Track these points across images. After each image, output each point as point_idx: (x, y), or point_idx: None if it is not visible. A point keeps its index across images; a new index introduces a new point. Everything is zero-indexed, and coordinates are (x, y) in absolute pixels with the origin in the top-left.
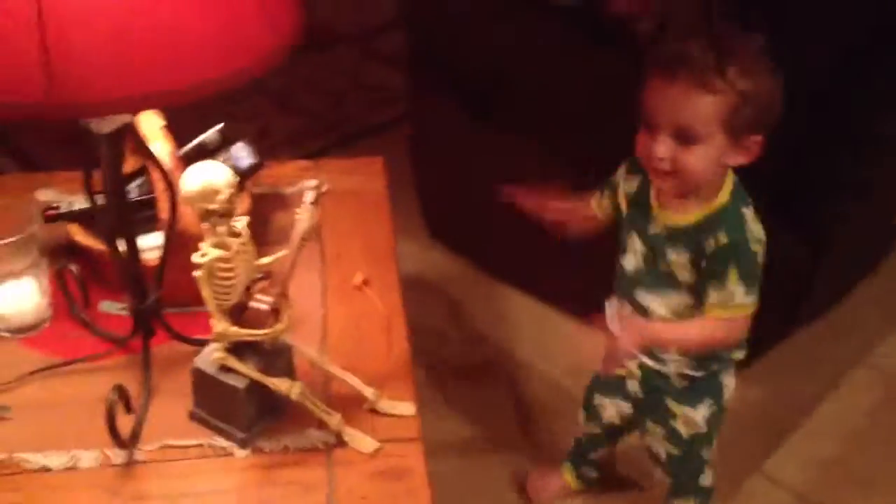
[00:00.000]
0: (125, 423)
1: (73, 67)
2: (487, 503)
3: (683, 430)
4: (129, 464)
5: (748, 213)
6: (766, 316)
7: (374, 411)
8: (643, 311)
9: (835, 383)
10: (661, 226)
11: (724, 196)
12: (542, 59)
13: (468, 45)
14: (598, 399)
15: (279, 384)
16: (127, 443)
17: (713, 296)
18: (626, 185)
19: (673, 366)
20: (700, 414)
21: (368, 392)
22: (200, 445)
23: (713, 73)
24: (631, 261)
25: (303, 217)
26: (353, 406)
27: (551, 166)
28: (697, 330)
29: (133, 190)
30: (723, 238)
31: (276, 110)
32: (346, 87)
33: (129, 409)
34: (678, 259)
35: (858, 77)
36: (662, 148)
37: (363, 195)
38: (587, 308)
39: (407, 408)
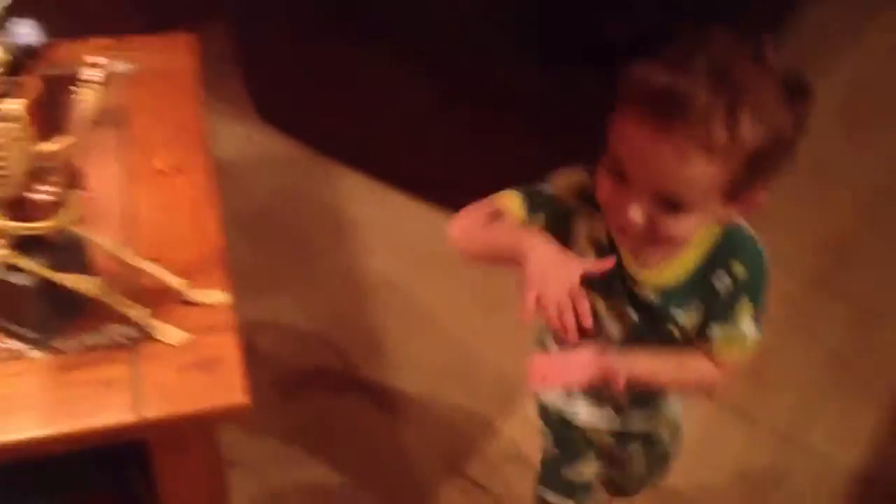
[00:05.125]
0: None
1: None
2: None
3: (666, 435)
4: None
5: (743, 223)
6: None
7: (185, 302)
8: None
9: None
10: (651, 287)
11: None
12: None
13: None
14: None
15: (72, 280)
16: None
17: (718, 332)
18: (586, 226)
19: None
20: (672, 408)
21: (176, 282)
22: None
23: (722, 126)
24: (615, 329)
25: (86, 98)
26: (162, 298)
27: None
28: (690, 372)
29: None
30: (739, 269)
31: None
32: None
33: None
34: (690, 319)
35: None
36: (638, 213)
37: (173, 75)
38: (431, 185)
39: (220, 296)
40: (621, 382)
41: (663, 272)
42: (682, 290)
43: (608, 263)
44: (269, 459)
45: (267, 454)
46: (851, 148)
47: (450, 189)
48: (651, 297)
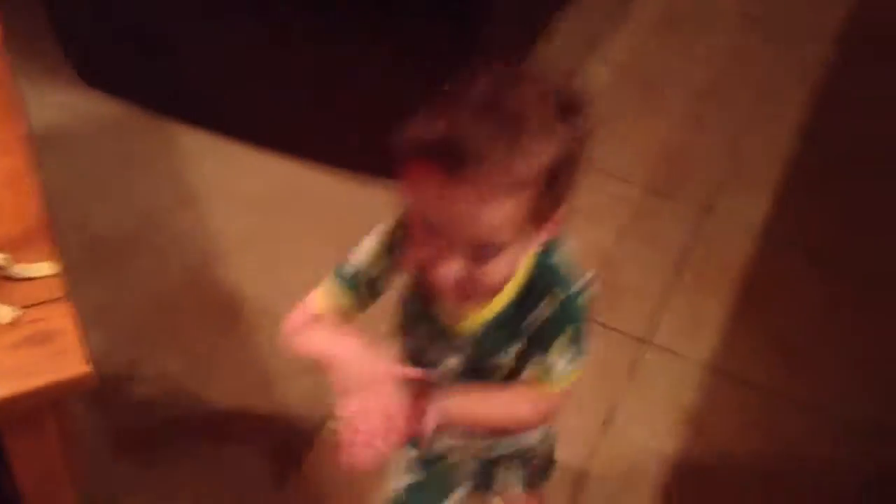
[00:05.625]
0: None
1: None
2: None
3: (540, 447)
4: None
5: (566, 251)
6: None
7: (9, 278)
8: None
9: None
10: (470, 328)
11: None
12: None
13: None
14: None
15: None
16: None
17: (539, 363)
18: (400, 281)
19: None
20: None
21: None
22: None
23: (509, 160)
24: (449, 363)
25: None
26: None
27: None
28: (518, 406)
29: None
30: (559, 294)
31: None
32: None
33: None
34: (512, 351)
35: None
36: (455, 269)
37: None
38: (272, 134)
39: (47, 268)
40: (431, 429)
41: (481, 311)
42: (501, 323)
43: (417, 374)
44: (113, 442)
45: (112, 435)
46: (673, 57)
47: (291, 135)
48: (471, 333)
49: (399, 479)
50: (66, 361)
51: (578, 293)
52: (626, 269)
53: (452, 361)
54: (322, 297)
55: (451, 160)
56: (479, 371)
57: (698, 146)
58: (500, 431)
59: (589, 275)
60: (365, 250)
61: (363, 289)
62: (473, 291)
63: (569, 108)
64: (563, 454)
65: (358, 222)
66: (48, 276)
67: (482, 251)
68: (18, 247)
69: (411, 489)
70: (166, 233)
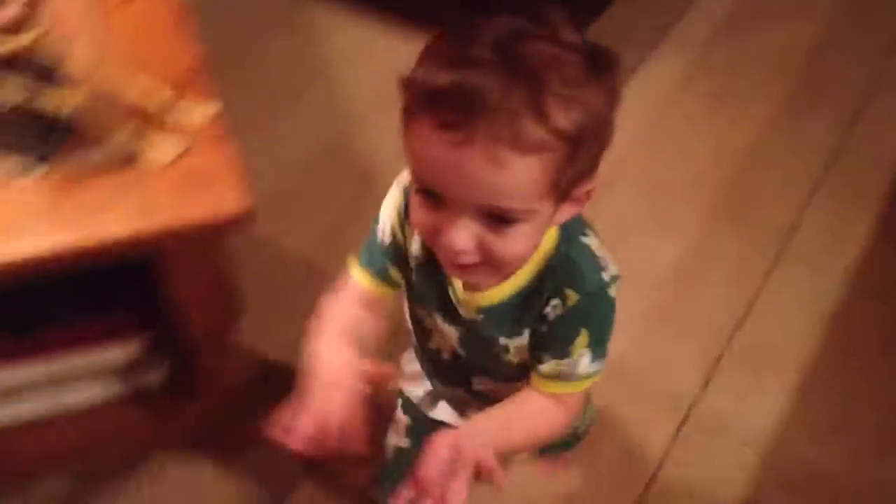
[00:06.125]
0: None
1: None
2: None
3: None
4: None
5: (590, 241)
6: None
7: (175, 114)
8: (477, 397)
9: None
10: (472, 309)
11: (549, 235)
12: None
13: None
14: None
15: (50, 99)
16: None
17: (551, 367)
18: (413, 244)
19: None
20: None
21: (164, 95)
22: None
23: (528, 118)
24: (444, 347)
25: None
26: (151, 113)
27: None
28: (536, 418)
29: None
30: (572, 295)
31: None
32: None
33: None
34: (515, 343)
35: None
36: (463, 237)
37: None
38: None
39: (210, 107)
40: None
41: (487, 294)
42: (507, 311)
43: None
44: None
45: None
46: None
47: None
48: (473, 316)
49: (393, 440)
50: (228, 196)
51: (594, 294)
52: (769, 173)
53: (454, 332)
54: (352, 275)
55: (461, 112)
56: (480, 354)
57: (844, 51)
58: (532, 446)
59: (611, 271)
60: (384, 225)
61: (390, 268)
62: (490, 270)
63: (598, 66)
64: (695, 344)
65: None
66: (210, 114)
67: (495, 220)
68: (180, 86)
69: (400, 453)
70: (301, 102)
